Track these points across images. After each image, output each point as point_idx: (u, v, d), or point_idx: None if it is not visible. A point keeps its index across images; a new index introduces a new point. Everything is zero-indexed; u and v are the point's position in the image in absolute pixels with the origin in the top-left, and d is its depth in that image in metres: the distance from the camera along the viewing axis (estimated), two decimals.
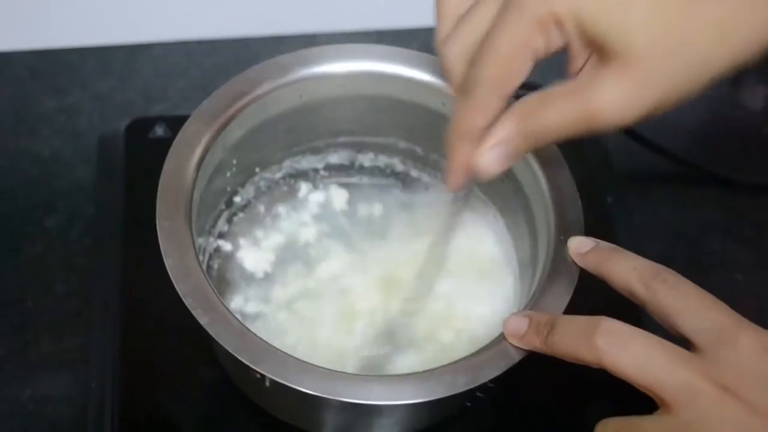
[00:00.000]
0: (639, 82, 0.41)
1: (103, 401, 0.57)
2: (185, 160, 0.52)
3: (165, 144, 0.65)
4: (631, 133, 0.74)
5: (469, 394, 0.57)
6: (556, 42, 0.43)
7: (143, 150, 0.67)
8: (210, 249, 0.60)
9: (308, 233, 0.62)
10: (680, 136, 0.78)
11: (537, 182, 0.54)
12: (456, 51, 0.47)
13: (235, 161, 0.57)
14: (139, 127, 0.68)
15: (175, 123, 0.65)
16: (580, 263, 0.50)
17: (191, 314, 0.51)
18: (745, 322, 0.44)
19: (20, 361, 0.63)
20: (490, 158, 0.46)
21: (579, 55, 0.44)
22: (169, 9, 0.80)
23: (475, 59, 0.45)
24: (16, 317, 0.65)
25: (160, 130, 0.67)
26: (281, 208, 0.63)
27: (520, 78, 0.44)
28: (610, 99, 0.42)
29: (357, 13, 0.81)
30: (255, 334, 0.47)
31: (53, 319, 0.64)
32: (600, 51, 0.42)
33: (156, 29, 0.79)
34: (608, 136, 0.72)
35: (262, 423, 0.57)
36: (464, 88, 0.46)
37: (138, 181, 0.65)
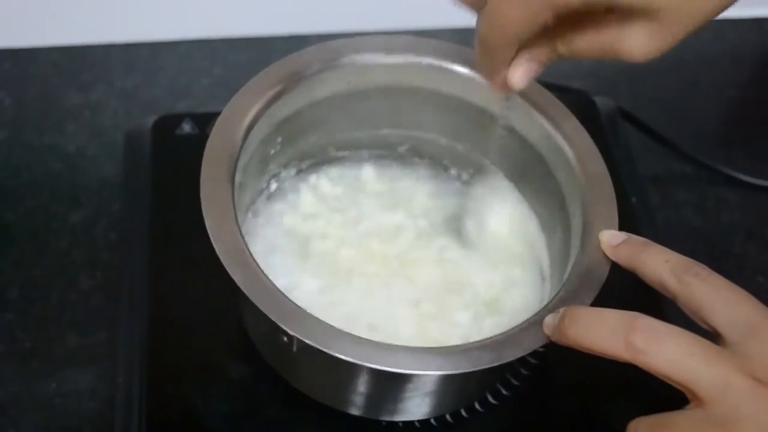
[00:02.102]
0: (661, 34, 0.47)
1: (130, 395, 0.57)
2: (233, 128, 0.52)
3: (192, 141, 0.66)
4: (655, 134, 0.74)
5: (491, 383, 0.58)
6: None
7: (170, 146, 0.67)
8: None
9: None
10: (703, 139, 0.78)
11: (574, 179, 0.54)
12: None
13: (280, 139, 0.58)
14: (166, 124, 0.68)
15: (202, 120, 0.67)
16: (612, 256, 0.50)
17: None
18: None
19: (46, 355, 0.63)
20: (522, 70, 0.50)
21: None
22: (194, 7, 0.80)
23: None
24: (42, 312, 0.65)
25: (187, 127, 0.68)
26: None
27: None
28: (636, 45, 0.48)
29: (377, 13, 0.81)
30: (287, 297, 0.47)
31: (79, 314, 0.65)
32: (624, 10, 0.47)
33: (181, 27, 0.80)
34: (632, 140, 0.73)
35: (290, 414, 0.57)
36: None
37: (165, 178, 0.65)
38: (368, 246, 0.60)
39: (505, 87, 0.51)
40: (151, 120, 0.69)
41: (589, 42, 0.49)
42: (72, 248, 0.68)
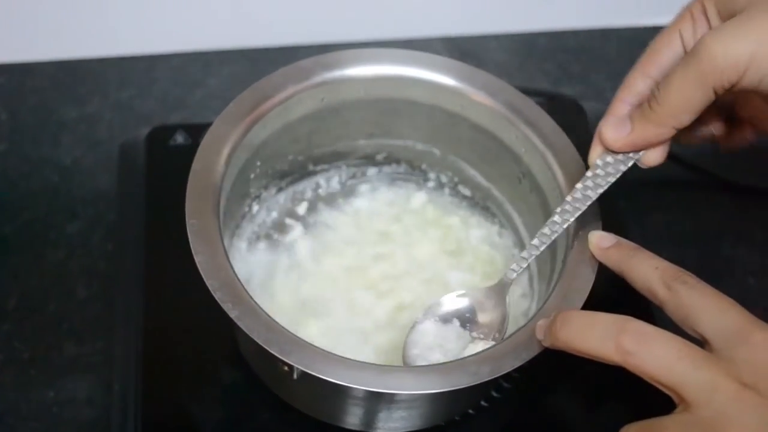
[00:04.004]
0: None
1: (126, 403, 0.58)
2: (213, 160, 0.53)
3: (185, 151, 0.66)
4: None
5: (485, 391, 0.58)
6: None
7: (164, 157, 0.68)
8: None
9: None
10: None
11: (554, 179, 0.55)
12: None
13: (259, 163, 0.58)
14: (160, 135, 0.69)
15: (195, 131, 0.67)
16: (601, 258, 0.51)
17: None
18: (760, 322, 0.45)
19: (44, 364, 0.64)
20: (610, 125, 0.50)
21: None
22: (187, 20, 0.81)
23: None
24: (40, 321, 0.66)
25: (180, 138, 0.68)
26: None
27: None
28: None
29: (369, 23, 0.82)
30: (283, 327, 0.48)
31: (75, 323, 0.65)
32: None
33: (175, 40, 0.81)
34: None
35: (284, 422, 0.58)
36: None
37: (159, 188, 0.66)
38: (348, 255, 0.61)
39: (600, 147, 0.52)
40: (144, 131, 0.69)
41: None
42: (69, 259, 0.69)
